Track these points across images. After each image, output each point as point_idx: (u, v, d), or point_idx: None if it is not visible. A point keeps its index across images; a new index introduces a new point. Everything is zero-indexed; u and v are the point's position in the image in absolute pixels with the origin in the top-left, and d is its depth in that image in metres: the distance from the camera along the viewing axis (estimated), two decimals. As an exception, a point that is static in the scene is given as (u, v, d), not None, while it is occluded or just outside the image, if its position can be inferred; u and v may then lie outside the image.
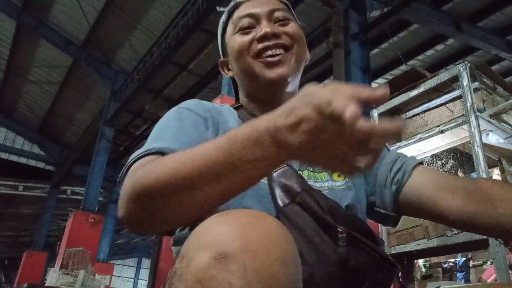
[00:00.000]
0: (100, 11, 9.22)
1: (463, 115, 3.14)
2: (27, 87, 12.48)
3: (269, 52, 0.79)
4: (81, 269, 5.94)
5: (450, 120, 3.32)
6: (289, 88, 0.83)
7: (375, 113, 3.82)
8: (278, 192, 0.70)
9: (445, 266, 5.81)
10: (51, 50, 10.73)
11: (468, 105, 3.00)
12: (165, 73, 9.21)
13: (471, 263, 5.83)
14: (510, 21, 6.76)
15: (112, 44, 10.16)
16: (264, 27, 0.80)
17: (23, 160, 14.57)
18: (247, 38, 0.81)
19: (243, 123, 0.81)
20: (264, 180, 0.73)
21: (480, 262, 5.59)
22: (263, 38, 0.79)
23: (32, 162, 14.76)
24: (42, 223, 13.47)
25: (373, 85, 5.54)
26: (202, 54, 8.74)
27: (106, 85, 10.63)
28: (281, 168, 0.73)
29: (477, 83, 3.19)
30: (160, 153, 0.63)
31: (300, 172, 0.77)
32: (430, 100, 3.63)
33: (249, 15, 0.82)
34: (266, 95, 0.83)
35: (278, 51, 0.79)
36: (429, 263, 5.73)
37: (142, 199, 0.54)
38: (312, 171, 0.80)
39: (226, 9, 0.89)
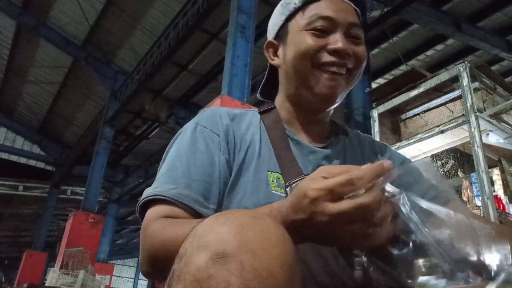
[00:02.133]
0: (100, 11, 9.21)
1: (463, 115, 3.14)
2: (27, 87, 12.47)
3: (334, 69, 0.76)
4: (81, 269, 5.93)
5: (450, 120, 3.32)
6: (331, 107, 0.83)
7: (375, 113, 3.82)
8: None
9: (445, 266, 5.81)
10: (51, 50, 10.72)
11: (468, 105, 3.00)
12: (165, 73, 9.21)
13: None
14: (510, 21, 6.76)
15: (112, 44, 10.15)
16: (340, 41, 0.76)
17: (23, 160, 14.56)
18: (317, 42, 0.76)
19: (265, 130, 0.80)
20: (281, 193, 0.72)
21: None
22: (335, 52, 0.76)
23: (32, 162, 14.75)
24: (42, 223, 13.46)
25: (373, 85, 5.54)
26: (202, 54, 8.73)
27: (106, 85, 10.63)
28: (301, 179, 0.71)
29: (477, 83, 3.19)
30: (171, 202, 0.67)
31: None
32: (430, 100, 3.63)
33: (329, 19, 0.77)
34: (309, 106, 0.82)
35: (341, 71, 0.77)
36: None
37: (160, 267, 0.62)
38: None
39: None
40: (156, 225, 0.63)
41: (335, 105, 0.82)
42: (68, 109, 12.90)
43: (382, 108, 3.77)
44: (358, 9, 0.84)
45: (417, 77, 3.55)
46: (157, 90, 10.23)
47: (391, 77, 6.55)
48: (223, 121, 0.78)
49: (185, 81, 9.73)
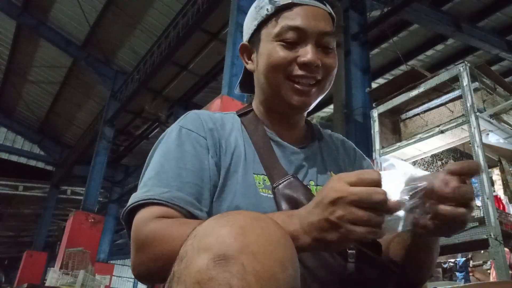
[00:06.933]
0: (100, 11, 9.21)
1: (463, 115, 3.14)
2: (27, 87, 12.47)
3: (303, 81, 0.78)
4: (81, 269, 5.93)
5: (450, 120, 3.32)
6: (302, 115, 0.86)
7: (375, 113, 3.82)
8: (284, 206, 0.70)
9: (445, 266, 5.81)
10: (51, 50, 10.73)
11: (468, 105, 3.00)
12: (165, 73, 9.20)
13: (471, 263, 5.82)
14: (510, 21, 6.76)
15: (112, 44, 10.15)
16: (309, 54, 0.76)
17: (23, 160, 14.56)
18: (288, 55, 0.77)
19: (246, 131, 0.80)
20: (269, 194, 0.72)
21: (480, 262, 5.59)
22: (304, 64, 0.76)
23: (32, 162, 14.75)
24: (42, 223, 13.46)
25: (373, 85, 5.54)
26: (202, 54, 8.73)
27: (106, 85, 10.63)
28: (287, 179, 0.72)
29: (477, 83, 3.19)
30: (164, 205, 0.65)
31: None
32: (430, 100, 3.63)
33: (299, 30, 0.77)
34: (281, 112, 0.84)
35: (311, 82, 0.78)
36: (429, 263, 5.72)
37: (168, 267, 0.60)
38: (315, 185, 0.80)
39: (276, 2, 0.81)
40: (157, 223, 0.61)
41: (307, 111, 0.85)
42: (68, 109, 12.90)
43: (382, 108, 3.77)
44: (333, 13, 0.84)
45: (417, 77, 3.55)
46: (157, 90, 10.23)
47: (391, 77, 6.55)
48: (208, 125, 0.78)
49: (185, 81, 9.73)
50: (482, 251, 4.90)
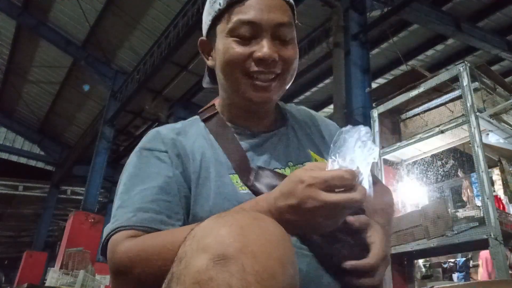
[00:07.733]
0: (100, 11, 9.21)
1: (463, 115, 3.15)
2: (27, 87, 12.47)
3: (261, 77, 0.75)
4: (81, 269, 5.93)
5: (450, 120, 3.32)
6: (268, 107, 0.83)
7: (375, 113, 3.82)
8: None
9: (445, 266, 5.82)
10: (51, 50, 10.73)
11: (468, 105, 3.00)
12: (165, 73, 9.20)
13: (471, 263, 5.83)
14: (510, 21, 6.76)
15: (112, 44, 10.15)
16: (264, 48, 0.73)
17: (23, 160, 14.56)
18: (244, 50, 0.74)
19: (212, 135, 0.79)
20: (244, 190, 0.71)
21: (480, 262, 5.59)
22: (261, 60, 0.73)
23: (32, 162, 14.75)
24: (42, 223, 13.47)
25: (373, 85, 5.53)
26: (202, 54, 8.73)
27: (106, 85, 10.63)
28: (254, 173, 0.72)
29: (477, 83, 3.19)
30: (130, 228, 0.65)
31: (282, 170, 0.77)
32: (430, 100, 3.63)
33: (252, 24, 0.73)
34: (245, 108, 0.81)
35: (270, 77, 0.75)
36: (429, 263, 5.74)
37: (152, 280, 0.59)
38: (294, 165, 0.80)
39: None
40: (129, 243, 0.61)
41: (269, 106, 0.82)
42: (68, 109, 12.90)
43: (382, 108, 3.77)
44: (291, 1, 0.80)
45: (417, 77, 3.55)
46: (157, 90, 10.22)
47: (391, 77, 6.55)
48: (168, 137, 0.77)
49: (185, 81, 9.73)
50: (482, 251, 4.90)
